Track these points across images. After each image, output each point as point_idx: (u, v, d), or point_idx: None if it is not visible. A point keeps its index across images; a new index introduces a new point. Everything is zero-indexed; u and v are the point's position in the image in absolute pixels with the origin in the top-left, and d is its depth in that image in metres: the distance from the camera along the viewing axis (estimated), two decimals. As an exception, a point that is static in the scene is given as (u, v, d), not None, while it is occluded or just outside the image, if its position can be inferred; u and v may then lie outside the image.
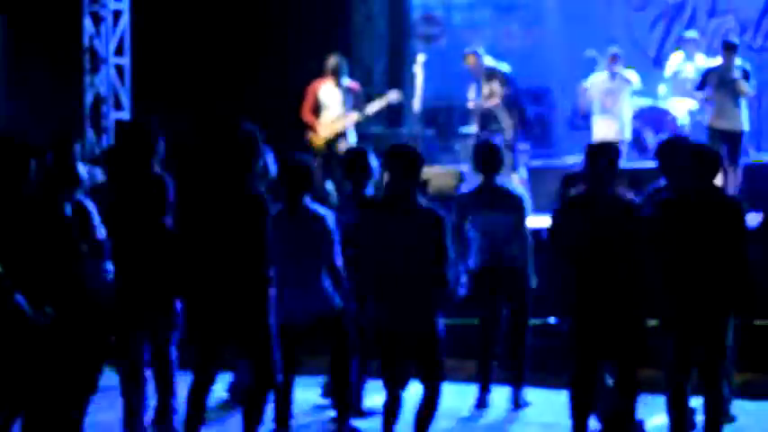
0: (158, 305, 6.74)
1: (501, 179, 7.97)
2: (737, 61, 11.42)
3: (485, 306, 7.89)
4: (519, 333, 7.88)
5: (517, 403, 7.79)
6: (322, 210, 6.82)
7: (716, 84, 11.27)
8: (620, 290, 6.17)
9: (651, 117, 12.50)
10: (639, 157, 12.19)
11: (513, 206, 7.73)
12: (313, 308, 6.75)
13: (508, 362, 7.94)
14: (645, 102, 12.68)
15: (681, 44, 12.81)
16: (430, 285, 6.29)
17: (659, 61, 13.48)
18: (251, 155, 6.37)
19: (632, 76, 12.26)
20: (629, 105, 12.18)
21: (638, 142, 12.48)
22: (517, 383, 7.82)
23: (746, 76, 11.37)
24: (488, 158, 7.86)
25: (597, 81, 12.19)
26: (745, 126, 11.39)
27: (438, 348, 6.39)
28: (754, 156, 12.17)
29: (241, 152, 6.35)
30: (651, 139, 12.26)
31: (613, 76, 12.08)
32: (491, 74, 11.90)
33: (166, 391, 6.87)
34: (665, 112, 12.27)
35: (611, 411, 6.49)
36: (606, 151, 6.47)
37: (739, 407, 7.09)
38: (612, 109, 12.04)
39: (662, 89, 12.58)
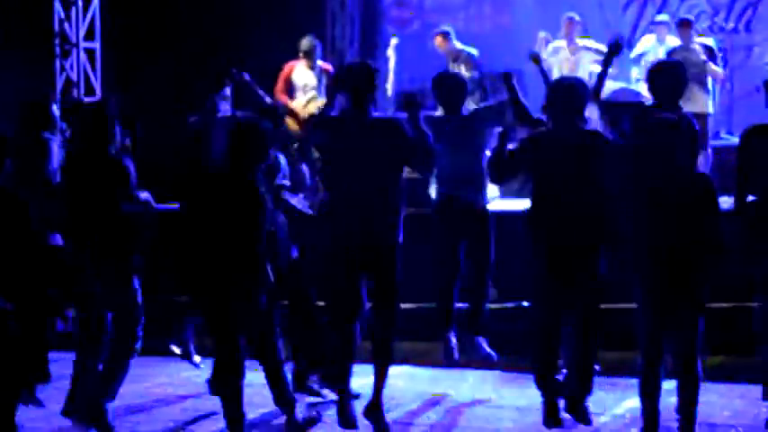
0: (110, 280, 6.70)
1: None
2: (700, 39, 11.28)
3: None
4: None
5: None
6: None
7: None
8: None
9: (623, 100, 12.37)
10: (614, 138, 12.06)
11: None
12: None
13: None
14: (617, 84, 12.59)
15: (652, 27, 12.70)
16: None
17: (632, 44, 13.38)
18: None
19: (590, 43, 12.10)
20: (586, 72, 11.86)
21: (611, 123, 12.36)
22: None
23: (712, 55, 11.18)
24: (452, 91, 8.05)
25: (556, 49, 12.01)
26: (710, 108, 11.23)
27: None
28: (724, 136, 12.13)
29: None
30: (623, 122, 12.18)
31: (570, 42, 11.88)
32: (458, 56, 11.87)
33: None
34: (637, 94, 12.15)
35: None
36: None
37: (709, 389, 6.98)
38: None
39: (635, 72, 12.46)
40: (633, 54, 12.60)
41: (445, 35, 11.96)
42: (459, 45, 12.03)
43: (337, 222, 6.50)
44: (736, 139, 11.84)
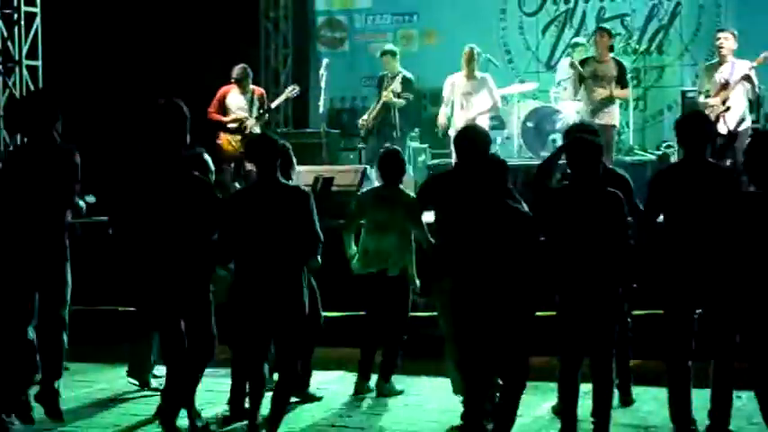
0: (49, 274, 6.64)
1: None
2: (609, 55, 11.32)
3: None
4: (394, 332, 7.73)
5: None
6: None
7: (589, 75, 11.15)
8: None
9: (543, 117, 12.48)
10: (533, 155, 12.14)
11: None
12: None
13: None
14: (537, 103, 12.70)
15: (569, 50, 12.75)
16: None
17: (551, 65, 13.48)
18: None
19: (488, 78, 11.82)
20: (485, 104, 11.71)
21: (531, 141, 12.44)
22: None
23: (622, 72, 11.20)
24: (391, 168, 7.74)
25: (456, 80, 11.77)
26: (616, 120, 11.24)
27: (302, 325, 6.38)
28: (638, 153, 12.22)
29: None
30: (544, 138, 12.29)
31: (470, 75, 11.65)
32: (396, 76, 11.87)
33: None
34: (556, 112, 12.25)
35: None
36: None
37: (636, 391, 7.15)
38: (469, 108, 11.59)
39: (554, 91, 12.53)
40: (558, 78, 12.59)
41: (393, 54, 11.99)
42: (398, 66, 12.02)
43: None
44: (648, 155, 12.11)
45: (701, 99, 10.94)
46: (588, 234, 6.01)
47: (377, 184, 8.53)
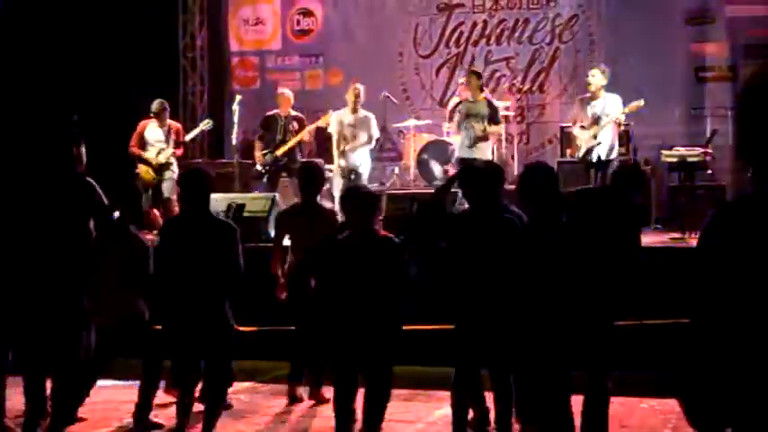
0: None
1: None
2: (481, 96, 11.59)
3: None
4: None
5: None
6: None
7: (464, 115, 11.41)
8: None
9: (436, 150, 12.67)
10: (426, 184, 12.34)
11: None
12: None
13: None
14: (430, 137, 12.87)
15: (459, 88, 12.96)
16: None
17: (444, 102, 13.68)
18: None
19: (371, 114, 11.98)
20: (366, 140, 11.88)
21: (425, 171, 12.63)
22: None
23: (493, 111, 11.49)
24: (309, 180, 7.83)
25: (341, 117, 11.86)
26: (490, 155, 11.53)
27: (229, 349, 6.52)
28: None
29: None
30: (437, 168, 12.48)
31: (354, 112, 11.76)
32: (288, 114, 11.97)
33: None
34: (448, 145, 12.44)
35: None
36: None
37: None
38: (353, 142, 11.75)
39: (446, 126, 12.73)
40: (448, 116, 12.55)
41: (288, 97, 12.08)
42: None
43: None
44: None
45: (575, 131, 11.28)
46: (481, 256, 6.01)
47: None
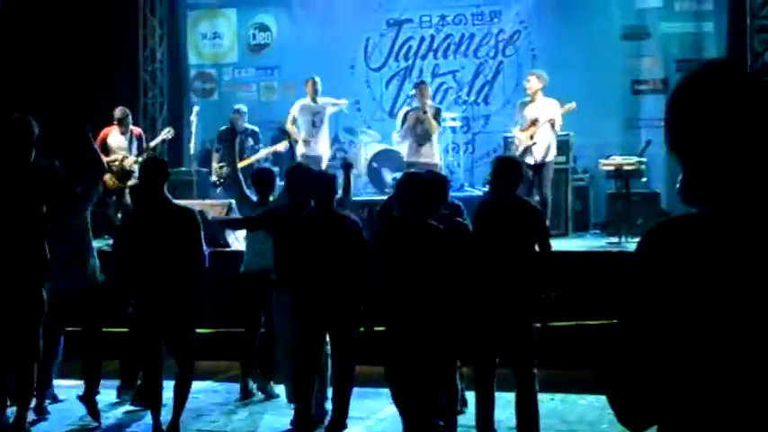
0: None
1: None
2: (429, 103, 11.79)
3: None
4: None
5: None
6: None
7: (413, 123, 11.49)
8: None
9: (386, 158, 12.72)
10: (377, 191, 12.35)
11: None
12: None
13: None
14: (381, 146, 12.89)
15: (408, 99, 13.00)
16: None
17: (393, 113, 13.70)
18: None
19: (328, 101, 12.42)
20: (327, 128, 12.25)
21: (376, 179, 12.65)
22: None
23: (437, 113, 11.67)
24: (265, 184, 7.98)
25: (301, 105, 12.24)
26: (437, 159, 11.60)
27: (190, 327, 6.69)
28: (468, 189, 12.49)
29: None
30: (388, 176, 12.49)
31: (314, 101, 12.17)
32: (245, 130, 12.17)
33: None
34: (397, 154, 12.46)
35: None
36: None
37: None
38: (317, 131, 12.09)
39: (395, 136, 12.74)
40: (398, 125, 12.52)
41: (243, 112, 12.14)
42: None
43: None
44: (476, 191, 12.42)
45: (513, 131, 11.42)
46: (412, 270, 5.87)
47: None
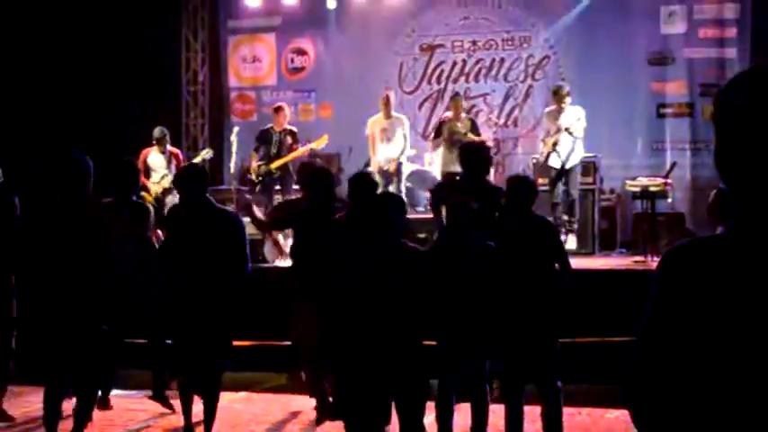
0: None
1: None
2: (464, 114, 11.73)
3: None
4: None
5: None
6: None
7: (447, 134, 11.47)
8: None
9: (419, 178, 12.72)
10: (411, 210, 12.35)
11: None
12: None
13: None
14: (414, 166, 12.91)
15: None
16: None
17: (426, 135, 13.74)
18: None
19: (402, 117, 12.19)
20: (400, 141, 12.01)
21: (410, 198, 12.65)
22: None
23: (474, 127, 11.58)
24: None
25: (375, 121, 12.06)
26: None
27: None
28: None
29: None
30: (421, 195, 12.51)
31: (388, 117, 11.92)
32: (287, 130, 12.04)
33: None
34: (430, 173, 12.49)
35: None
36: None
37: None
38: (389, 143, 11.90)
39: (427, 157, 12.78)
40: (432, 147, 12.55)
41: (285, 113, 12.17)
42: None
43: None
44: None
45: (542, 139, 11.68)
46: (375, 287, 5.31)
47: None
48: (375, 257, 5.33)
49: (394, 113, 11.97)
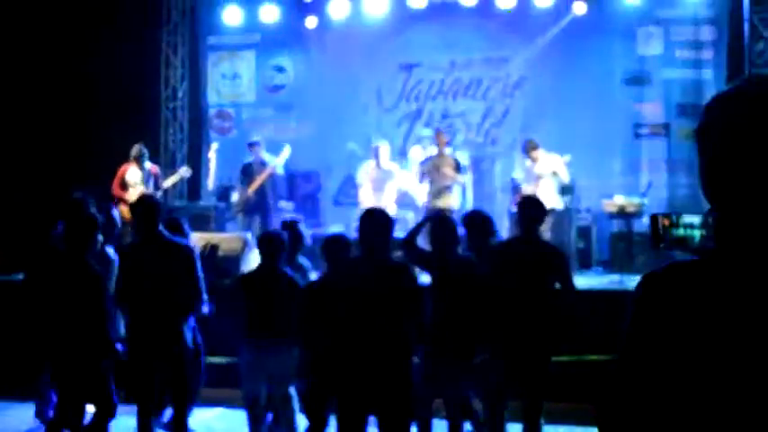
0: None
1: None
2: (448, 150, 11.61)
3: None
4: None
5: None
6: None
7: (430, 169, 11.42)
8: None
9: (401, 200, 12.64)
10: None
11: None
12: None
13: None
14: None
15: (419, 139, 13.05)
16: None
17: (404, 152, 13.72)
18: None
19: (394, 166, 12.08)
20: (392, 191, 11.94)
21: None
22: None
23: (458, 166, 11.47)
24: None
25: (367, 169, 11.97)
26: (456, 205, 11.53)
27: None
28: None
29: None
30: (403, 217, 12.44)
31: (378, 166, 11.84)
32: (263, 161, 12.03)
33: None
34: (405, 193, 12.40)
35: None
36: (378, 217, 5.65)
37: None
38: (379, 195, 11.76)
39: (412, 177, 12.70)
40: (411, 165, 12.55)
41: (256, 145, 12.14)
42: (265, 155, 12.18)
43: None
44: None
45: (523, 186, 11.46)
46: (366, 308, 5.35)
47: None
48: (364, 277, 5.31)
49: (384, 166, 11.87)
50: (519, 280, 6.20)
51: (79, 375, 6.14)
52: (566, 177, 11.44)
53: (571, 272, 6.66)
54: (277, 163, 12.03)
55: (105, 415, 6.30)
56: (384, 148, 11.90)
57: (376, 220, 5.51)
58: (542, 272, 6.28)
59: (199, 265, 6.28)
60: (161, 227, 6.42)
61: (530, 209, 6.51)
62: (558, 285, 6.39)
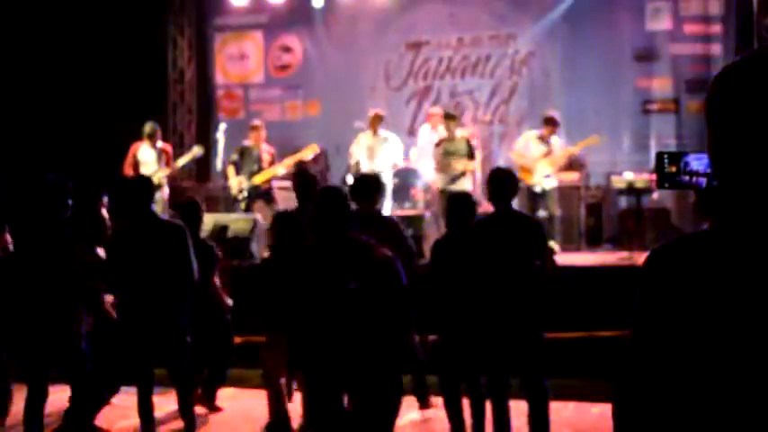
0: None
1: None
2: (463, 132, 11.54)
3: None
4: None
5: None
6: None
7: (442, 152, 11.34)
8: None
9: (406, 174, 12.63)
10: (397, 206, 12.27)
11: None
12: None
13: None
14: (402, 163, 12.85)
15: (428, 118, 13.00)
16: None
17: (413, 131, 13.72)
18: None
19: (390, 135, 12.08)
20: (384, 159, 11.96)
21: (397, 195, 12.57)
22: None
23: (470, 149, 11.32)
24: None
25: (360, 140, 11.98)
26: (469, 187, 11.44)
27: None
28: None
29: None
30: (408, 193, 12.42)
31: (375, 134, 11.86)
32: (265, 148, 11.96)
33: None
34: (415, 171, 12.41)
35: None
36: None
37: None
38: (374, 162, 11.79)
39: (413, 153, 12.72)
40: (419, 142, 12.57)
41: (263, 131, 12.05)
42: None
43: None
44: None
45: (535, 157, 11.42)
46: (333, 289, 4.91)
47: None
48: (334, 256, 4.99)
49: (382, 132, 11.86)
50: (504, 255, 6.16)
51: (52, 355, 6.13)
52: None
53: (546, 241, 6.62)
54: (300, 158, 11.84)
55: (82, 394, 6.35)
56: (376, 117, 11.86)
57: (333, 197, 5.03)
58: (524, 244, 6.24)
59: (190, 243, 6.21)
60: (153, 207, 6.39)
61: (504, 179, 6.36)
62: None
